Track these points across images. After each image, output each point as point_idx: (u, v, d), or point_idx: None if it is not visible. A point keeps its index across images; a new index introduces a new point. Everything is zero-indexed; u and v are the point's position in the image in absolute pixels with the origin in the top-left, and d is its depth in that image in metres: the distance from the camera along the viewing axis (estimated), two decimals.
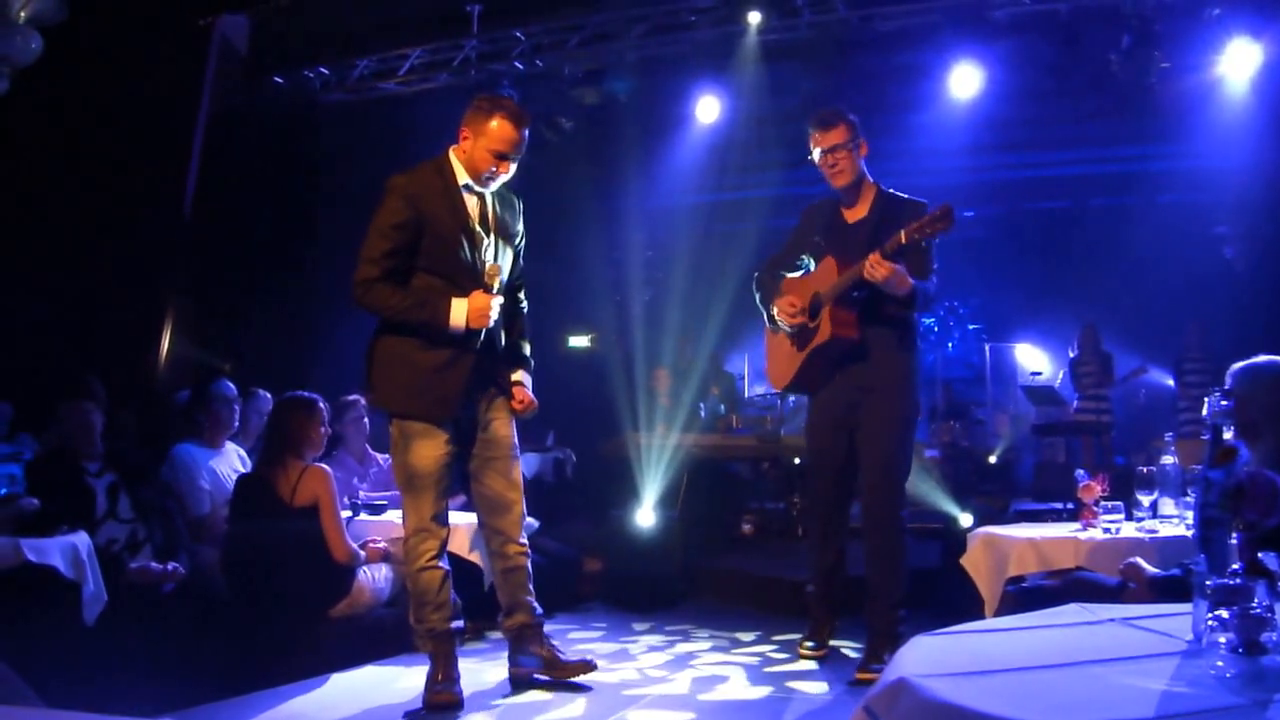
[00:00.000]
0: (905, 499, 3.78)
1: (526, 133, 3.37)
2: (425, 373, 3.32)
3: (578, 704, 3.33)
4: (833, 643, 4.07)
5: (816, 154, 3.79)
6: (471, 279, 3.36)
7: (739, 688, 3.61)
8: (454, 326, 3.28)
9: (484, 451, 3.50)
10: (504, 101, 3.43)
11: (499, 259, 3.46)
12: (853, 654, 4.05)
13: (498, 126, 3.30)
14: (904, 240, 3.46)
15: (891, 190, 3.83)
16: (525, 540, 3.60)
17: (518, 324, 3.67)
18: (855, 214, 3.82)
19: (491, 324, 3.36)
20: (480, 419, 3.50)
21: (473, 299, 3.31)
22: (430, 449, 3.34)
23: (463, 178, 3.38)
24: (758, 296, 4.03)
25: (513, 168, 3.39)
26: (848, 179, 3.78)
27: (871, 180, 3.85)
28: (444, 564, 3.41)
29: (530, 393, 3.57)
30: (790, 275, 3.96)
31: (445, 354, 3.32)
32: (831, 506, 3.90)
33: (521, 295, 3.71)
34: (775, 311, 3.91)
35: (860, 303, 3.69)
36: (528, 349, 3.67)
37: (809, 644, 4.01)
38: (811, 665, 3.88)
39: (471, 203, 3.40)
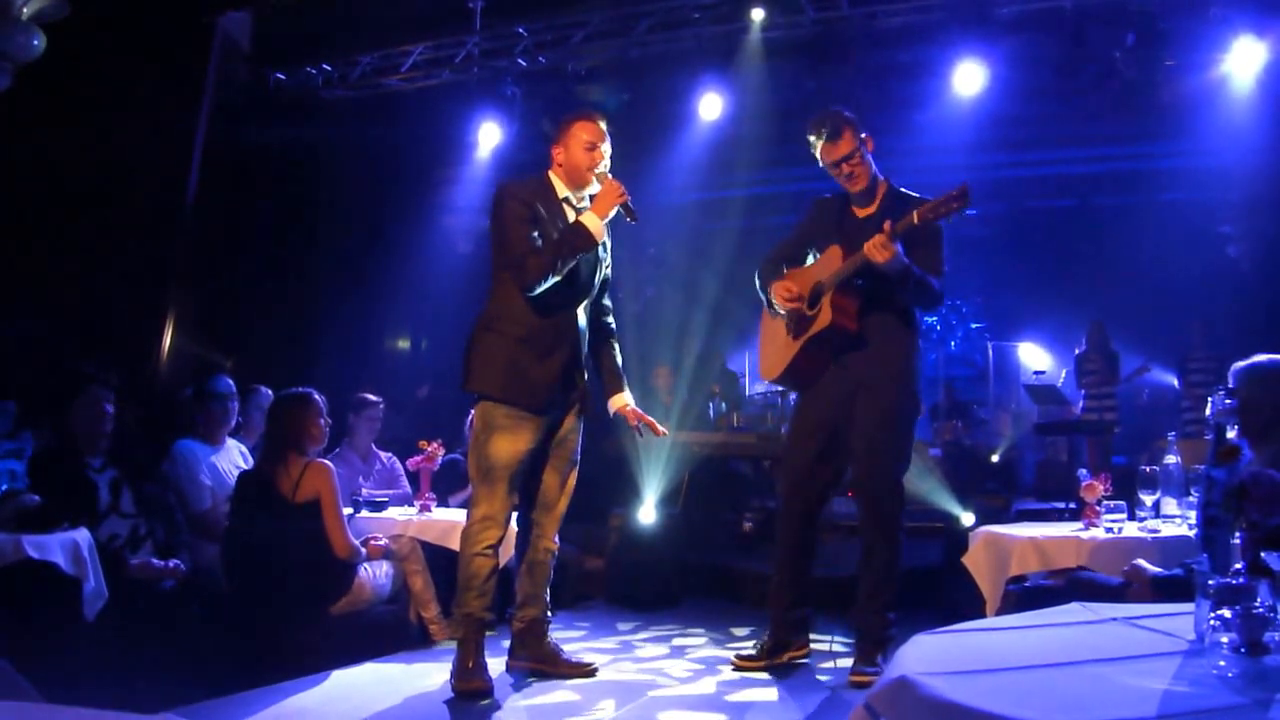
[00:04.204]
0: (904, 500, 3.67)
1: (605, 124, 3.67)
2: (524, 361, 3.50)
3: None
4: (833, 638, 4.04)
5: (824, 161, 3.70)
6: (569, 282, 3.53)
7: (742, 686, 3.60)
8: (597, 229, 3.49)
9: (550, 449, 3.68)
10: (576, 110, 3.76)
11: (595, 272, 3.70)
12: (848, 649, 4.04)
13: (579, 125, 3.63)
14: (916, 221, 3.37)
15: (902, 189, 3.76)
16: (557, 541, 3.76)
17: (608, 341, 3.85)
18: (865, 210, 3.74)
19: (625, 197, 3.52)
20: (559, 424, 3.67)
21: (600, 194, 3.53)
22: (510, 443, 3.49)
23: (563, 191, 3.65)
24: (758, 283, 3.93)
25: (607, 155, 3.65)
26: (864, 183, 3.71)
27: (882, 177, 3.78)
28: (497, 555, 3.53)
29: (638, 410, 3.80)
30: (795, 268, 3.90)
31: (543, 346, 3.52)
32: (802, 522, 3.76)
33: (609, 317, 3.87)
34: (773, 295, 3.82)
35: (862, 292, 3.60)
36: (619, 359, 3.87)
37: (749, 653, 3.84)
38: (808, 663, 3.85)
39: (571, 216, 3.62)
